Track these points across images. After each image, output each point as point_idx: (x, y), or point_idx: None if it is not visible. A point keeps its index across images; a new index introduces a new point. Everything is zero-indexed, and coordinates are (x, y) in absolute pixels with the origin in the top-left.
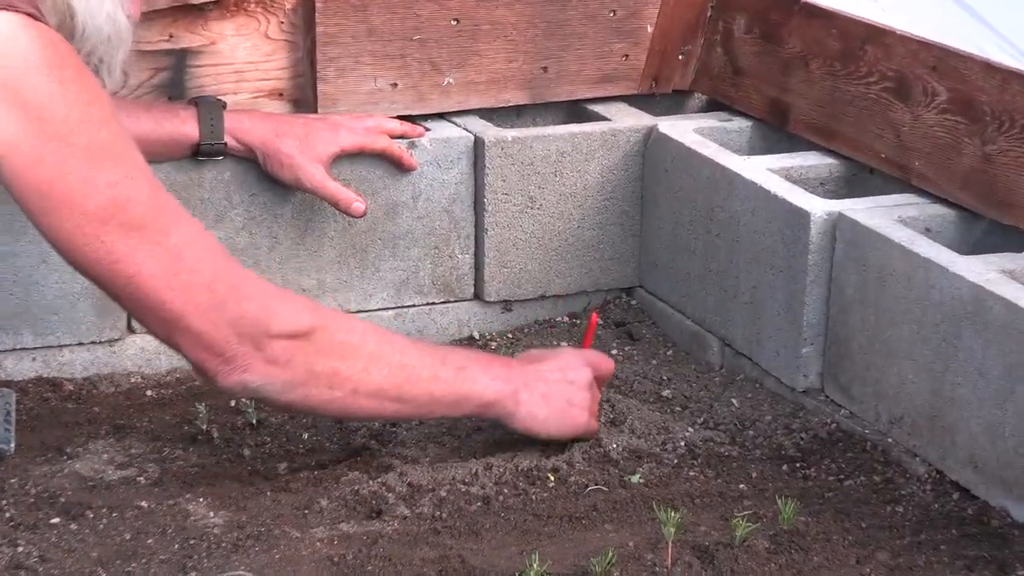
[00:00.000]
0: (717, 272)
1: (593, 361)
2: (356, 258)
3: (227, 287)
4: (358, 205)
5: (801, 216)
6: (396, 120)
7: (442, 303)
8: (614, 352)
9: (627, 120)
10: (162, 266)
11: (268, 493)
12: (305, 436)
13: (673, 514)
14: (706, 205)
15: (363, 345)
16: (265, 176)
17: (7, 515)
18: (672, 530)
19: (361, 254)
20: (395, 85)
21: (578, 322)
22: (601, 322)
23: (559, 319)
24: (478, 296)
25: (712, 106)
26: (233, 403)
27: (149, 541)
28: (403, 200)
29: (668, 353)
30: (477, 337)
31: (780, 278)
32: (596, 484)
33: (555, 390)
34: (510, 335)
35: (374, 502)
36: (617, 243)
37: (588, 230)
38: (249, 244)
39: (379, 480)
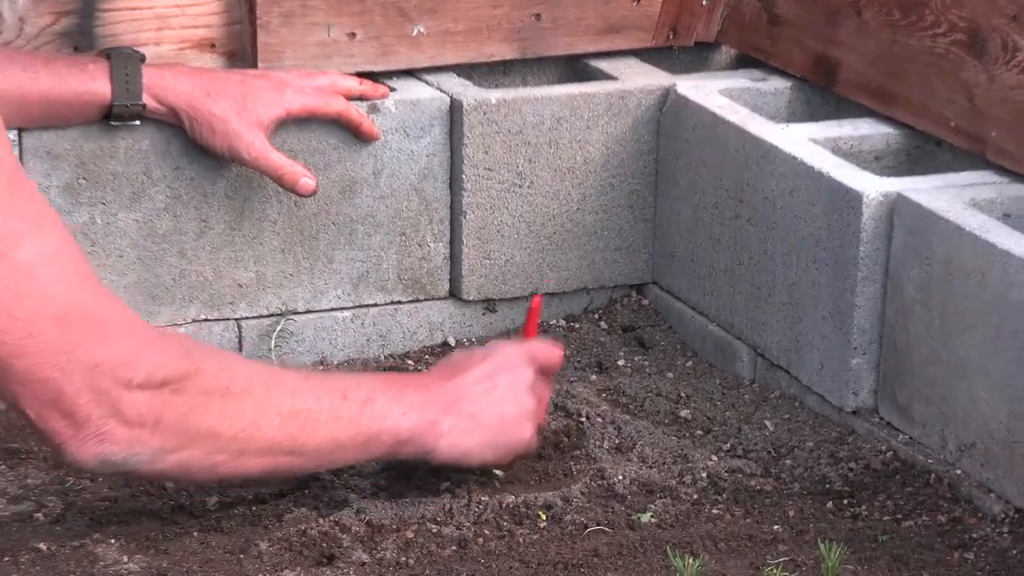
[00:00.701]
0: (748, 266)
1: (535, 354)
2: (304, 247)
3: (85, 323)
4: (307, 181)
5: (851, 198)
6: (354, 78)
7: (410, 302)
8: (621, 363)
9: (638, 79)
10: (3, 285)
11: (195, 533)
12: None
13: (692, 561)
14: (735, 184)
15: (248, 392)
16: (193, 145)
17: None
18: None
19: (310, 242)
20: (353, 35)
21: (576, 327)
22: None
23: (553, 322)
24: (454, 294)
25: (743, 62)
26: None
27: None
28: (363, 176)
29: (687, 364)
30: (453, 344)
31: (825, 273)
32: (598, 524)
33: (486, 406)
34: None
35: (325, 545)
36: (626, 230)
37: (590, 214)
38: (173, 229)
39: (331, 518)
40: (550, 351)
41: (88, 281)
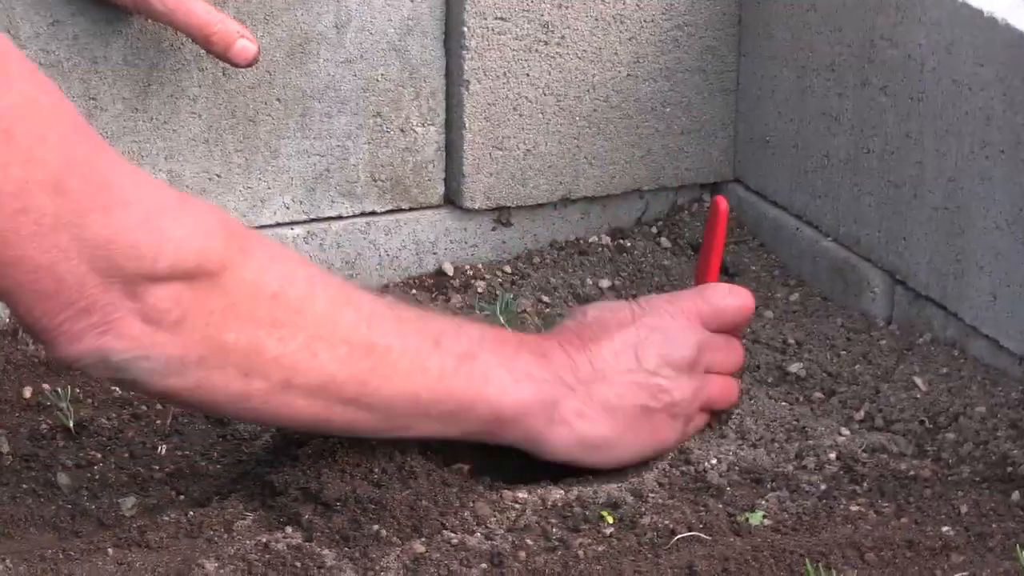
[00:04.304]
0: (882, 155)
1: (707, 308)
2: (237, 134)
3: (87, 186)
4: (245, 45)
5: None
6: None
7: (389, 213)
8: None
9: None
10: None
11: (110, 551)
12: (163, 449)
13: None
14: (862, 36)
15: (308, 301)
16: None
17: None
18: None
19: (246, 127)
20: None
21: (627, 245)
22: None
23: (594, 241)
24: (452, 200)
25: None
26: (32, 393)
27: None
28: (319, 30)
29: (792, 297)
30: (450, 272)
31: (1000, 164)
32: (689, 529)
33: (627, 390)
34: (508, 269)
35: (299, 564)
36: (696, 105)
37: (645, 82)
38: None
39: (303, 522)
40: (733, 299)
41: (83, 133)
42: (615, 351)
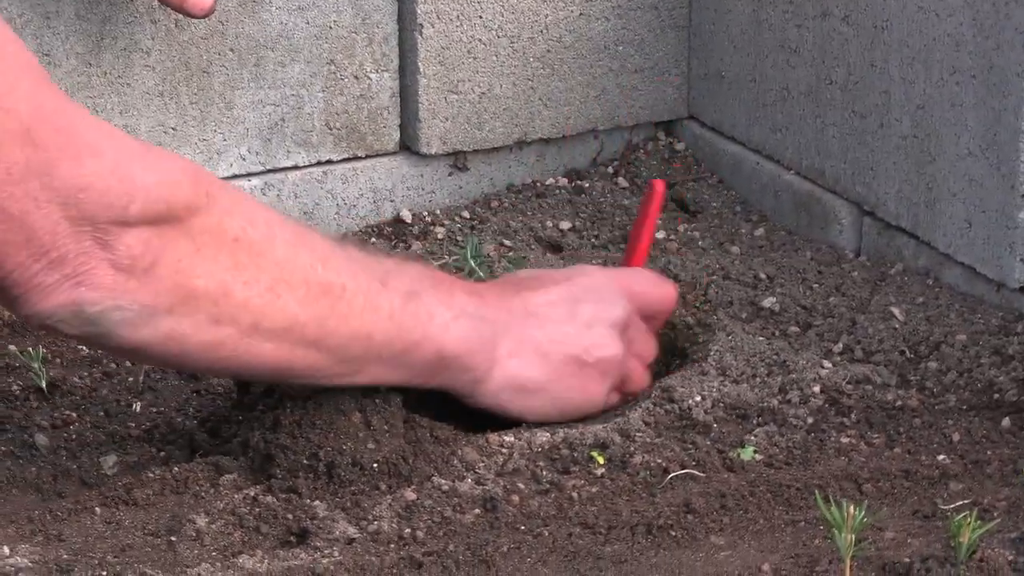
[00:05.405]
0: (845, 85)
1: (635, 289)
2: (191, 86)
3: (58, 135)
4: None
5: None
6: None
7: (345, 161)
8: (659, 235)
9: None
10: None
11: (97, 509)
12: (138, 406)
13: (853, 510)
14: None
15: (269, 244)
16: None
17: None
18: (851, 538)
19: (200, 79)
20: None
21: (584, 186)
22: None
23: (551, 183)
24: (408, 146)
25: None
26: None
27: None
28: None
29: (757, 233)
30: (409, 219)
31: (971, 89)
32: (682, 467)
33: (561, 337)
34: (465, 214)
35: (290, 516)
36: (648, 41)
37: (597, 21)
38: None
39: (290, 475)
40: (659, 288)
41: (49, 84)
42: (550, 301)
